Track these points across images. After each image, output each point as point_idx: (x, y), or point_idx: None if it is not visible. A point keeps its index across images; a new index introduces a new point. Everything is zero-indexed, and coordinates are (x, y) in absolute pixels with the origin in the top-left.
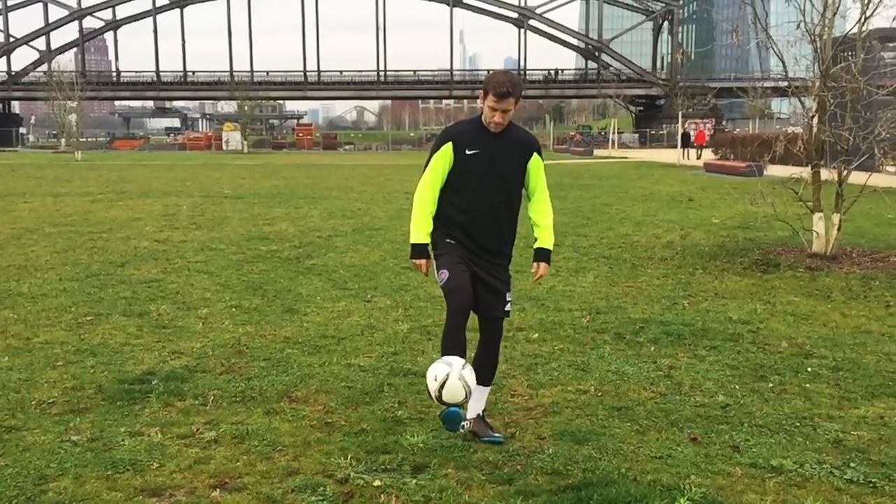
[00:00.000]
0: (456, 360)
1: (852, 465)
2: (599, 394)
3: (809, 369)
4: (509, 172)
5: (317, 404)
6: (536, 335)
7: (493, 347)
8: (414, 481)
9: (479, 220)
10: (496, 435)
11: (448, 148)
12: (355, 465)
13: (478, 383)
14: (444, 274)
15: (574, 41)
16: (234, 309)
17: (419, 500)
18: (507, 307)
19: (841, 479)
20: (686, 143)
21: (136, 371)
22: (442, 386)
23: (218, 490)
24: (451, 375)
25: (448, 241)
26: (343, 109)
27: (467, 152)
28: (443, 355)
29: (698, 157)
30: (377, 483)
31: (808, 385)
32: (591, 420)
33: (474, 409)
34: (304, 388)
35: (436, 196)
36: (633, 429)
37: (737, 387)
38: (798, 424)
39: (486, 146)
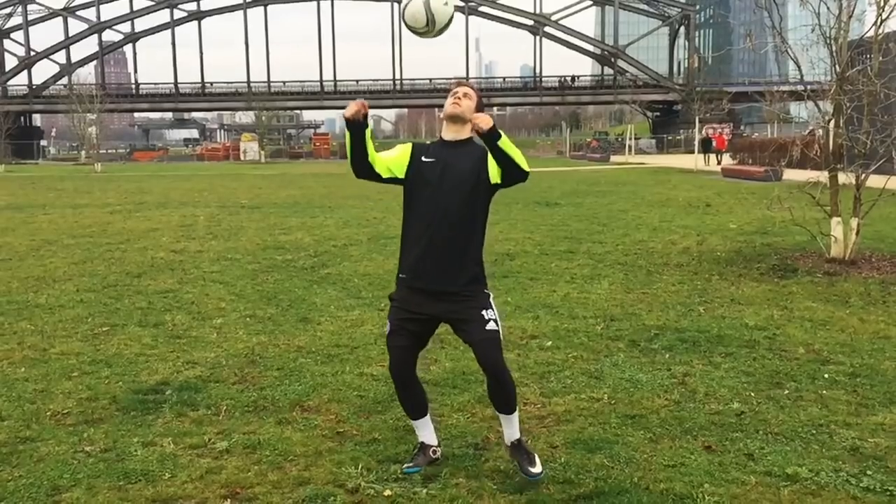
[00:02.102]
0: None
1: (869, 472)
2: (613, 402)
3: (826, 376)
4: (464, 180)
5: (329, 414)
6: (550, 343)
7: (494, 376)
8: (425, 491)
9: (434, 241)
10: (532, 470)
11: (407, 148)
12: (366, 474)
13: (498, 412)
14: (387, 327)
15: (590, 47)
16: (248, 318)
17: None
18: (489, 325)
19: (857, 488)
20: (707, 148)
21: (151, 381)
22: (407, 4)
23: (229, 500)
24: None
25: (402, 275)
26: None
27: (423, 159)
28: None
29: (719, 163)
30: (388, 493)
31: (824, 392)
32: (604, 428)
33: (507, 436)
34: (317, 397)
35: (380, 157)
36: (647, 437)
37: (752, 394)
38: (814, 432)
39: (442, 155)
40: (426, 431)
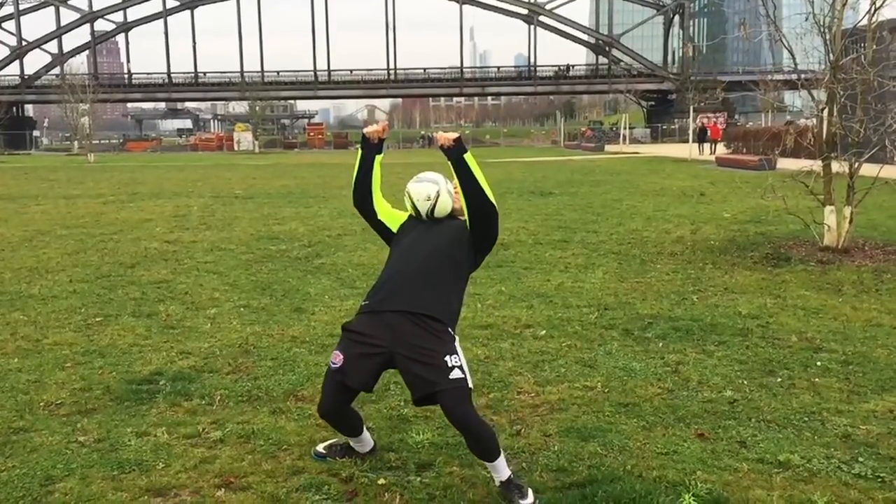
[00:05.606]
0: (439, 177)
1: (860, 459)
2: (606, 390)
3: (819, 363)
4: (450, 228)
5: None
6: (544, 332)
7: (465, 432)
8: (418, 479)
9: (409, 267)
10: (524, 503)
11: (406, 213)
12: (360, 463)
13: (483, 459)
14: (336, 361)
15: (584, 37)
16: (242, 309)
17: (423, 497)
18: (454, 374)
19: (849, 474)
20: (703, 138)
21: (144, 371)
22: (434, 204)
23: (223, 489)
24: (441, 192)
25: (364, 302)
26: (354, 108)
27: (415, 216)
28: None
29: (712, 153)
30: (381, 481)
31: (817, 379)
32: (598, 417)
33: (496, 477)
34: (311, 387)
35: (383, 200)
36: (640, 425)
37: (745, 382)
38: (806, 419)
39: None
40: (361, 444)
